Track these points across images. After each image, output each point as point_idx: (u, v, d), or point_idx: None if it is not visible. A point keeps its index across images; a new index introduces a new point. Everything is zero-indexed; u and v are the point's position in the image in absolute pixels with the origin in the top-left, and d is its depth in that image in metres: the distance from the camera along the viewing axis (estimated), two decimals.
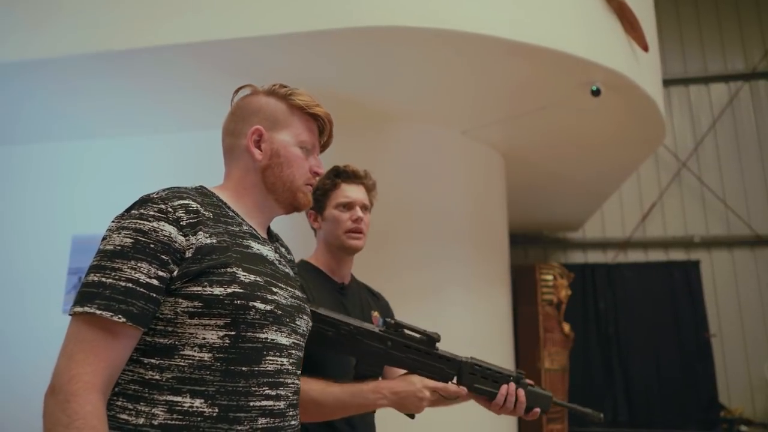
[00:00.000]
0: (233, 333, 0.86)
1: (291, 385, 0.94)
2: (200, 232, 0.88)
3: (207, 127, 3.48)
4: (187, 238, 0.87)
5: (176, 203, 0.88)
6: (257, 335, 0.89)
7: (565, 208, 5.72)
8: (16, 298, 3.55)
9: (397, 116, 3.36)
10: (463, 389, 1.23)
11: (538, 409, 1.26)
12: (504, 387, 1.23)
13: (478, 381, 1.24)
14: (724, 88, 7.00)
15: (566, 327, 4.38)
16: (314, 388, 1.14)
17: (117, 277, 0.82)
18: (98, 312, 0.80)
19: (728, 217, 6.64)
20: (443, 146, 3.57)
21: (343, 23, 2.47)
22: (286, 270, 1.03)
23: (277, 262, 1.00)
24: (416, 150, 3.48)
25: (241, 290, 0.87)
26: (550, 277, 4.43)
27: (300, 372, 0.99)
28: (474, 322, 3.47)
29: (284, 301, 0.95)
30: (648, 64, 3.18)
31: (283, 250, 1.10)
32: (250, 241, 0.95)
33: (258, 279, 0.90)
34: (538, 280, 4.41)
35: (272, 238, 1.08)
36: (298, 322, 0.98)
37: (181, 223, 0.87)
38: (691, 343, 5.89)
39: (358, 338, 1.19)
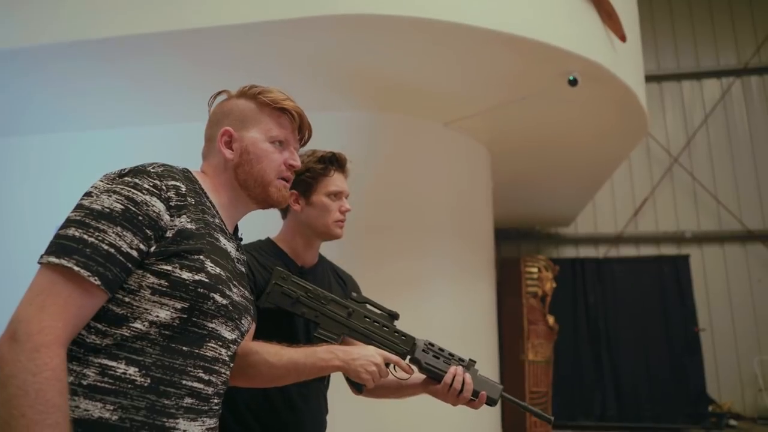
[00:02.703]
0: (185, 317, 0.88)
1: (223, 375, 0.97)
2: (183, 216, 0.90)
3: (190, 118, 3.51)
4: (172, 218, 0.89)
5: (170, 183, 0.91)
6: (206, 323, 0.91)
7: (555, 203, 5.73)
8: (15, 291, 3.57)
9: (378, 107, 3.38)
10: (414, 369, 1.26)
11: (485, 393, 1.26)
12: (453, 368, 1.25)
13: (430, 360, 1.27)
14: (716, 84, 7.01)
15: (551, 319, 4.40)
16: (269, 350, 1.16)
17: (100, 238, 0.82)
18: (76, 268, 0.79)
19: (719, 213, 6.65)
20: (425, 138, 3.58)
21: (321, 10, 2.48)
22: (242, 269, 1.06)
23: (236, 260, 1.03)
24: (398, 142, 3.49)
25: (206, 280, 0.89)
26: (535, 270, 4.45)
27: (233, 366, 1.02)
28: (458, 313, 3.49)
29: (237, 299, 0.98)
30: (627, 56, 3.19)
31: (240, 248, 1.13)
32: (219, 235, 0.97)
33: (221, 273, 0.93)
34: (523, 273, 4.43)
35: (236, 235, 1.11)
36: (243, 321, 1.01)
37: (170, 203, 0.89)
38: (680, 337, 5.90)
39: (323, 302, 1.28)
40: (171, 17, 2.63)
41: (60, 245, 0.81)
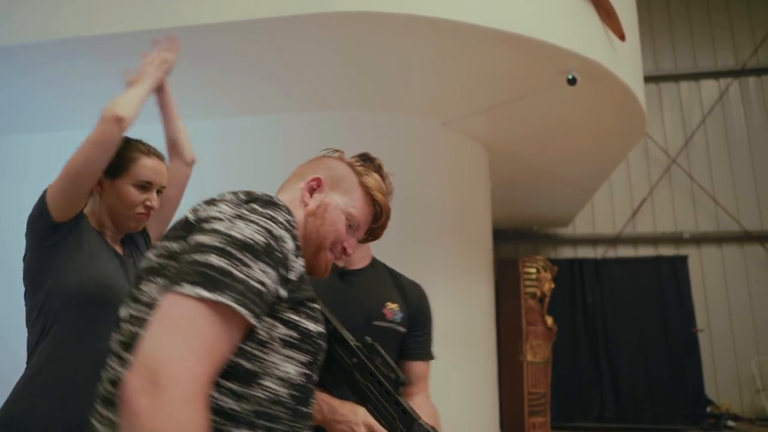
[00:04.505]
0: (308, 372, 0.79)
1: None
2: (300, 258, 0.80)
3: (185, 118, 3.48)
4: (297, 259, 0.78)
5: (293, 220, 0.81)
6: (315, 377, 0.83)
7: (553, 203, 5.72)
8: (16, 293, 3.54)
9: (376, 106, 3.36)
10: None
11: None
12: None
13: None
14: (714, 85, 7.01)
15: (549, 320, 4.38)
16: None
17: (248, 273, 0.69)
18: (235, 306, 0.66)
19: (717, 213, 6.64)
20: (423, 137, 3.56)
21: (319, 8, 2.45)
22: None
23: None
24: (396, 141, 3.47)
25: (324, 331, 0.82)
26: (533, 270, 4.43)
27: None
28: (456, 312, 3.46)
29: None
30: (626, 55, 3.17)
31: None
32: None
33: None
34: (521, 273, 4.41)
35: None
36: None
37: (297, 242, 0.80)
38: (678, 338, 5.89)
39: (332, 340, 1.05)
40: (172, 15, 2.61)
41: (208, 277, 0.66)
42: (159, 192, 1.31)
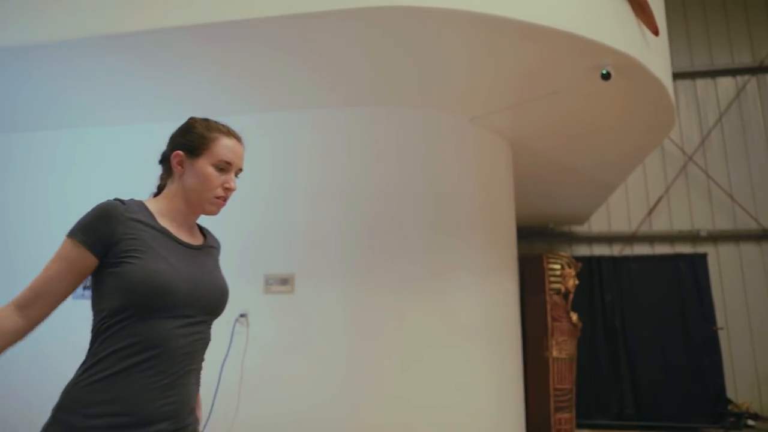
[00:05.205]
0: None
1: None
2: None
3: (219, 114, 3.49)
4: None
5: None
6: None
7: (571, 201, 5.70)
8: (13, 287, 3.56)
9: (404, 102, 3.36)
10: None
11: None
12: None
13: None
14: (731, 82, 6.98)
15: (574, 316, 4.37)
16: None
17: None
18: None
19: (735, 211, 6.62)
20: (451, 133, 3.56)
21: (347, 4, 2.45)
22: None
23: None
24: (424, 137, 3.47)
25: None
26: (558, 267, 4.42)
27: None
28: (482, 308, 3.46)
29: None
30: (657, 49, 3.17)
31: None
32: None
33: None
34: (546, 269, 4.40)
35: None
36: None
37: None
38: (698, 336, 5.86)
39: None
40: (195, 11, 2.62)
41: None
42: (236, 175, 1.29)
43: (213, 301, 1.21)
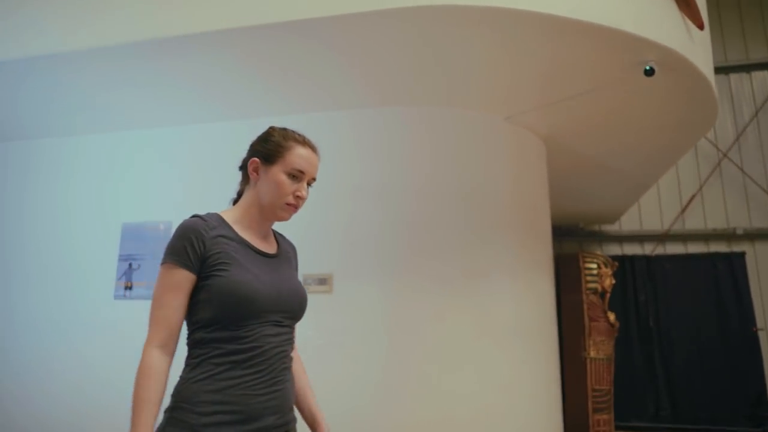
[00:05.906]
0: None
1: None
2: None
3: (250, 116, 3.53)
4: None
5: None
6: None
7: (603, 199, 5.61)
8: (71, 285, 3.66)
9: (440, 101, 3.35)
10: None
11: None
12: None
13: None
14: (766, 77, 6.80)
15: (611, 316, 4.30)
16: None
17: None
18: None
19: None
20: (486, 132, 3.54)
21: (386, 4, 2.44)
22: None
23: None
24: (459, 136, 3.46)
25: None
26: (594, 266, 4.36)
27: None
28: (518, 308, 3.43)
29: None
30: (701, 43, 3.10)
31: None
32: None
33: None
34: (582, 269, 4.34)
35: None
36: None
37: None
38: (737, 337, 5.72)
39: None
40: (234, 13, 2.65)
41: None
42: (309, 184, 1.32)
43: (294, 307, 1.28)
